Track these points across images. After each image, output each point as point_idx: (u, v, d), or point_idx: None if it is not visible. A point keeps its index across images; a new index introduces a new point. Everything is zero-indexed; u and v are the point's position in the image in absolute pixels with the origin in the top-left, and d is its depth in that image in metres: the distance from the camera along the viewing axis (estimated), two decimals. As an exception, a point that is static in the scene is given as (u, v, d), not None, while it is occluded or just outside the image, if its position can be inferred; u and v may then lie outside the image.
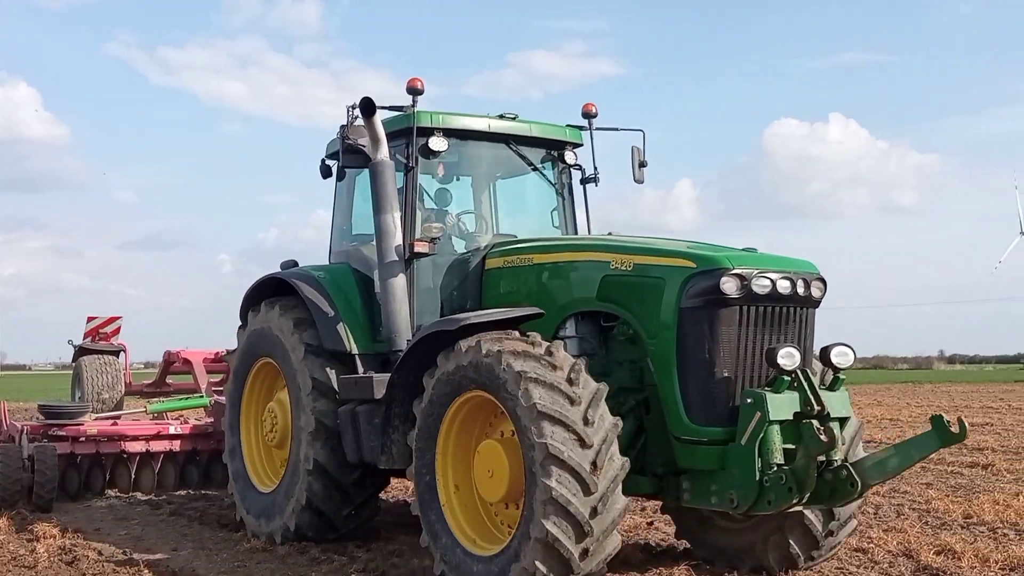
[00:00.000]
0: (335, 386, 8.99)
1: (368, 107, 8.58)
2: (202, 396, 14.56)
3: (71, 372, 17.28)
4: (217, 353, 15.97)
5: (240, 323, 10.32)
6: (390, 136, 8.88)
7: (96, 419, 13.23)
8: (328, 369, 9.05)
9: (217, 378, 16.53)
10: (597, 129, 9.85)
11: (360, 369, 9.05)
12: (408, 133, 9.06)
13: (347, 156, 8.94)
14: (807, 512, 7.54)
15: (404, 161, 9.06)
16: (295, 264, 10.22)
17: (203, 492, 12.98)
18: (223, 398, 13.60)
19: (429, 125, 9.07)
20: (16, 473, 11.60)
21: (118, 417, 13.78)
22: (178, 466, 13.21)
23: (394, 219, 8.75)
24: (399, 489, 12.70)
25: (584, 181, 9.96)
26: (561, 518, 6.47)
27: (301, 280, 9.51)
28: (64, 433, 12.52)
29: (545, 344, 7.10)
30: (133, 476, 12.91)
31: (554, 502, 6.46)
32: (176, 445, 13.07)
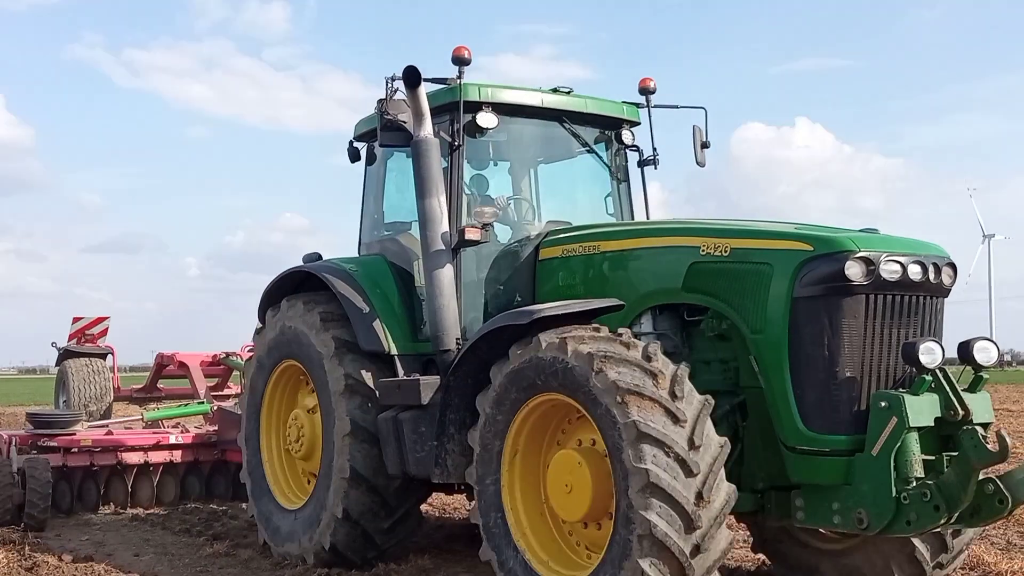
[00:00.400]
0: (371, 384, 7.95)
1: (412, 77, 7.54)
2: (203, 402, 13.40)
3: (54, 377, 16.15)
4: (215, 355, 14.91)
5: (259, 323, 9.25)
6: (432, 112, 7.83)
7: (90, 428, 12.09)
8: (362, 367, 8.02)
9: (212, 382, 15.50)
10: (655, 107, 8.85)
11: (400, 371, 8.02)
12: (453, 108, 8.02)
13: (386, 133, 7.89)
14: (917, 542, 6.61)
15: (448, 140, 8.02)
16: (319, 257, 9.16)
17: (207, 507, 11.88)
18: (229, 404, 12.59)
19: (477, 99, 8.02)
20: (5, 489, 10.42)
21: (109, 425, 12.65)
22: (178, 478, 12.06)
23: (440, 203, 7.71)
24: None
25: (642, 164, 8.95)
26: (659, 557, 5.53)
27: (332, 274, 8.44)
28: (56, 444, 11.37)
29: (641, 345, 6.11)
30: (130, 489, 11.76)
31: (653, 539, 5.51)
32: (177, 455, 11.92)
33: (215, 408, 12.93)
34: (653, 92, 8.81)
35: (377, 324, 8.10)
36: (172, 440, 11.93)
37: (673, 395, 5.79)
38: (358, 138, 9.22)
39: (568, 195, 9.29)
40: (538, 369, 6.28)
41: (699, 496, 5.57)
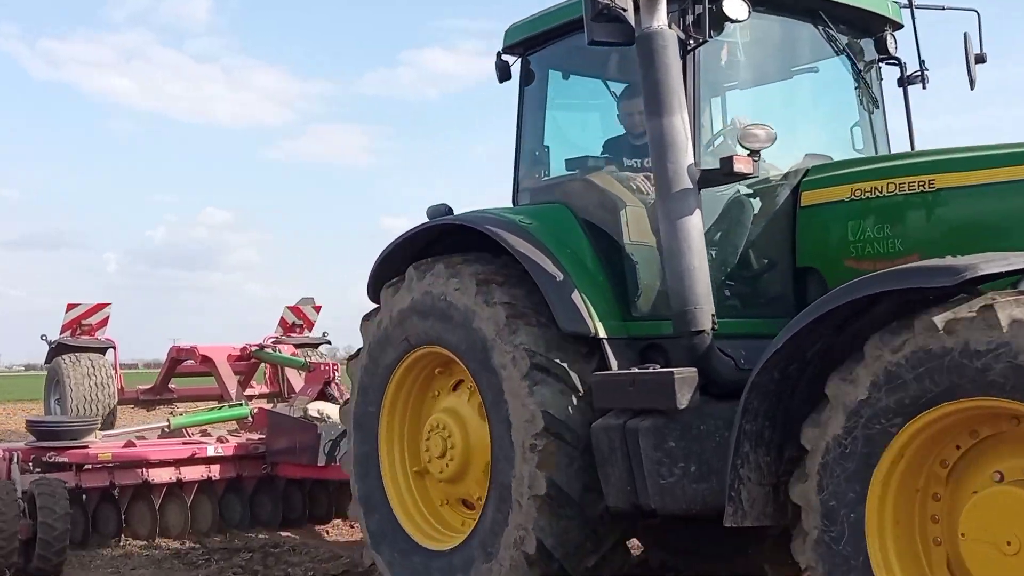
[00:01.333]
0: (569, 369, 5.38)
1: None
2: (242, 405, 10.61)
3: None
4: (244, 348, 12.11)
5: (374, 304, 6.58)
6: None
7: (106, 438, 9.29)
8: (549, 344, 5.45)
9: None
10: (919, 7, 6.32)
11: (612, 361, 5.40)
12: None
13: (598, 26, 5.22)
14: None
15: (681, 36, 5.41)
16: (449, 210, 6.51)
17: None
18: (293, 406, 9.90)
19: None
20: (9, 521, 7.55)
21: (126, 435, 9.88)
22: (216, 499, 9.25)
23: (683, 122, 5.09)
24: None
25: (906, 81, 6.39)
26: None
27: (499, 227, 5.79)
28: (67, 459, 8.56)
29: None
30: (158, 514, 8.93)
31: None
32: (216, 471, 9.14)
33: (255, 411, 10.19)
34: None
35: (577, 297, 5.47)
36: (210, 452, 9.16)
37: None
38: (508, 49, 6.60)
39: (788, 124, 6.68)
40: (959, 360, 3.72)
41: None
